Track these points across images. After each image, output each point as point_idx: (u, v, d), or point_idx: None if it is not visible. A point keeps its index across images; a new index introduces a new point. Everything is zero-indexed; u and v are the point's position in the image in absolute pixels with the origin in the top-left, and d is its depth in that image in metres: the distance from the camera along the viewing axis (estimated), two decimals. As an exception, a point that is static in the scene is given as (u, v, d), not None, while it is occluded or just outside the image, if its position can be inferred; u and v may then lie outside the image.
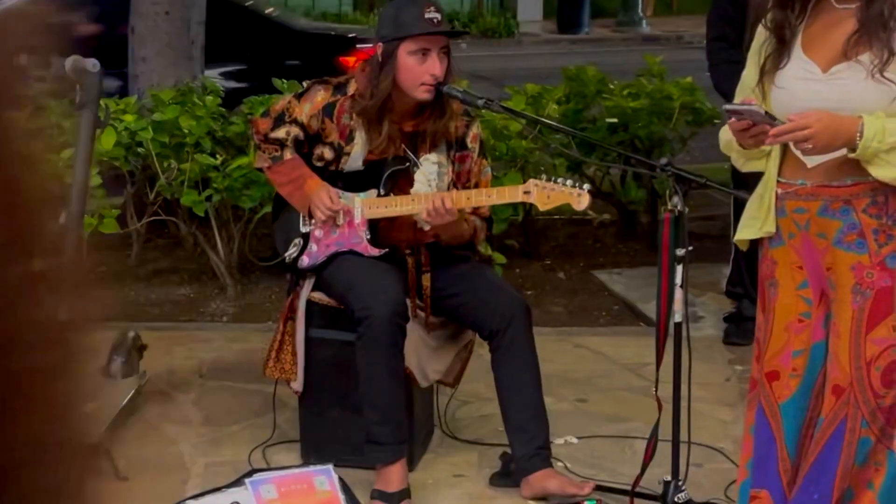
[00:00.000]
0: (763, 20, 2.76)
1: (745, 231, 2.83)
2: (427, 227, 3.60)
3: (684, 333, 3.17)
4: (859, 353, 2.66)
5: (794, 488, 2.76)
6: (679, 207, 3.13)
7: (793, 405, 2.77)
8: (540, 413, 3.63)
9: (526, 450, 3.59)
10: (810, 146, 2.55)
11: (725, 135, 2.81)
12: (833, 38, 2.64)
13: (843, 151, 2.61)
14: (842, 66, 2.62)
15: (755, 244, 2.89)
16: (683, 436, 3.24)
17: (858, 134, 2.54)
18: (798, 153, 2.69)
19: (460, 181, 3.74)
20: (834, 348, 2.69)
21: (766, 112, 2.56)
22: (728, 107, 2.61)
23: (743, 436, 2.94)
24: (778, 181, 2.74)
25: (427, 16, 3.49)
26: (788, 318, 2.76)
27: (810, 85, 2.62)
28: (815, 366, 2.75)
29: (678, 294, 3.16)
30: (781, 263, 2.77)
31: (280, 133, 3.69)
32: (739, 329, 4.87)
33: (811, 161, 2.68)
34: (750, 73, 2.81)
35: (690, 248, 3.17)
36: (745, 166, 2.83)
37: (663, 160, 3.27)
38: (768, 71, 2.71)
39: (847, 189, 2.65)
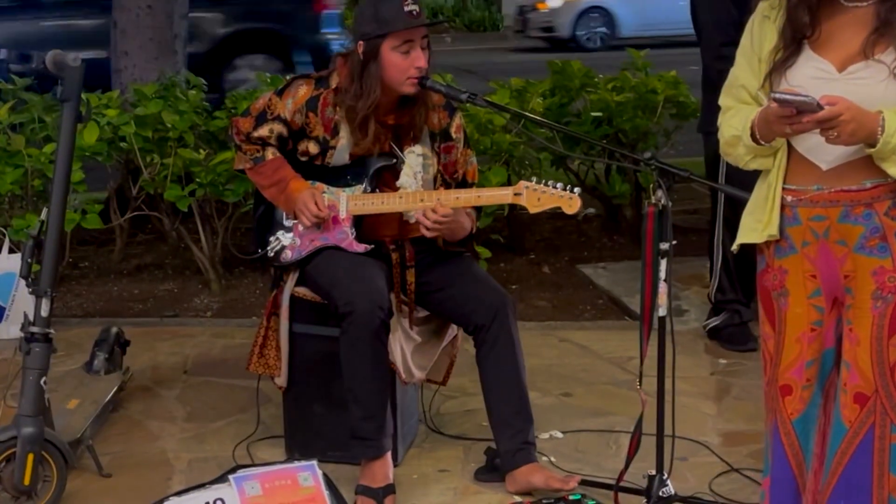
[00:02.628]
0: (768, 19, 2.71)
1: (748, 235, 2.77)
2: (413, 221, 3.59)
3: (668, 327, 3.16)
4: (882, 359, 2.62)
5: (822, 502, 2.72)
6: (663, 201, 3.12)
7: (807, 417, 2.75)
8: (525, 408, 3.63)
9: (510, 445, 3.58)
10: (835, 134, 2.51)
11: (730, 131, 2.75)
12: (847, 36, 2.60)
13: (856, 150, 2.57)
14: (859, 66, 2.58)
15: (746, 247, 2.83)
16: (668, 430, 3.24)
17: (880, 129, 2.50)
18: (809, 157, 2.66)
19: (447, 172, 3.73)
20: (853, 356, 2.65)
21: (818, 102, 2.48)
22: (778, 95, 2.52)
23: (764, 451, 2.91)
24: (786, 188, 2.69)
25: (406, 9, 3.47)
26: (801, 328, 2.73)
27: (827, 85, 2.56)
28: (826, 372, 2.74)
29: (662, 288, 3.15)
30: (793, 273, 2.72)
31: (263, 131, 3.67)
32: (741, 334, 4.83)
33: (826, 164, 2.64)
34: (743, 73, 2.75)
35: (674, 241, 3.16)
36: (751, 164, 2.75)
37: (647, 154, 3.26)
38: (776, 70, 2.66)
39: (868, 192, 2.61)
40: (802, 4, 2.63)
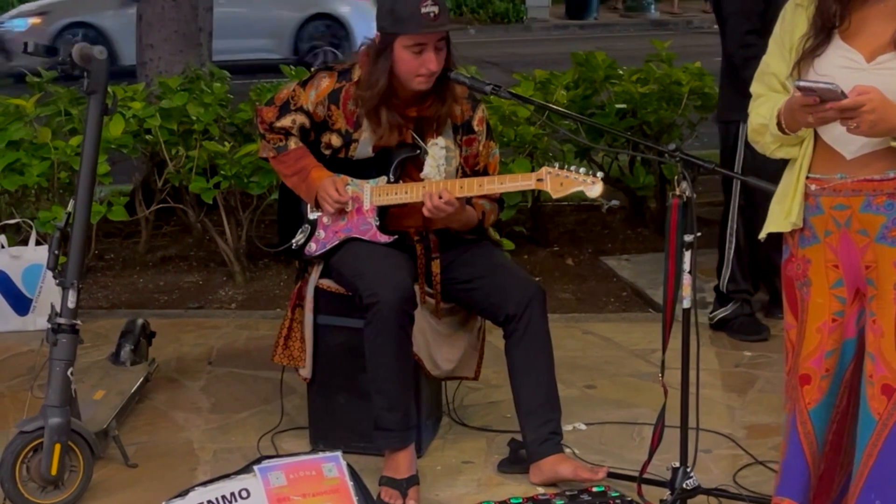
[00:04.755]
0: (801, 7, 2.71)
1: (774, 224, 2.77)
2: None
3: (692, 319, 3.16)
4: None
5: (853, 497, 2.70)
6: (687, 193, 3.12)
7: (823, 407, 2.74)
8: (552, 398, 3.62)
9: (537, 434, 3.58)
10: (855, 125, 2.51)
11: (757, 119, 2.75)
12: (877, 28, 2.59)
13: (880, 140, 2.56)
14: (888, 56, 2.57)
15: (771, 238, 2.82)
16: (692, 422, 3.23)
17: None
18: (834, 146, 2.65)
19: (468, 164, 3.74)
20: (878, 347, 2.64)
21: (842, 91, 2.48)
22: (802, 83, 2.52)
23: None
24: (811, 177, 2.69)
25: (424, 10, 3.42)
26: (822, 318, 2.72)
27: (854, 74, 2.56)
28: (845, 363, 2.73)
29: (686, 280, 3.15)
30: (815, 262, 2.72)
31: (286, 122, 3.68)
32: (753, 324, 4.83)
33: (850, 153, 2.63)
34: (774, 61, 2.75)
35: (699, 233, 3.15)
36: (777, 152, 2.76)
37: (672, 145, 3.25)
38: (805, 59, 2.66)
39: (891, 182, 2.60)
40: None
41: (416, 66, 3.48)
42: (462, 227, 3.67)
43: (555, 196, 3.47)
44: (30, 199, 5.42)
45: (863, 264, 2.66)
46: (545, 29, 18.71)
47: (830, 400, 2.75)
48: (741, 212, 4.73)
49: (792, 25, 2.72)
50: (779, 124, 2.68)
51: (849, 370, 2.73)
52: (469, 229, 3.70)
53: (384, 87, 3.51)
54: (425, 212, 3.51)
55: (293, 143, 3.69)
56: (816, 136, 2.69)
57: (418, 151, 3.64)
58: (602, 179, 3.40)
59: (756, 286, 4.89)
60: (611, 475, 3.51)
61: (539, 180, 3.46)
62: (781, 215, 2.73)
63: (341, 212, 3.63)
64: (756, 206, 4.66)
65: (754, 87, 2.81)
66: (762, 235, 2.82)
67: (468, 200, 3.65)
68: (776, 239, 2.84)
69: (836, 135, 2.63)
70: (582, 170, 3.43)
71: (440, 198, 3.45)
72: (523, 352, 3.60)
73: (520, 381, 3.62)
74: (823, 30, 2.64)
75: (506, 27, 18.78)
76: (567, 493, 3.43)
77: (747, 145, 4.58)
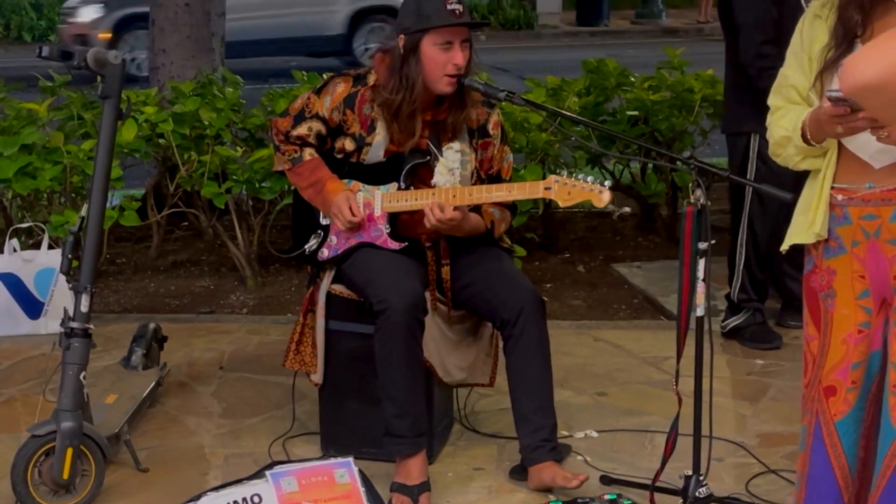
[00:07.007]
0: (819, 18, 2.70)
1: (797, 236, 2.75)
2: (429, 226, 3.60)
3: (706, 327, 3.15)
4: None
5: None
6: (702, 201, 3.11)
7: (851, 420, 2.73)
8: (546, 405, 3.62)
9: (529, 441, 3.59)
10: (886, 134, 2.50)
11: (780, 131, 2.73)
12: None
13: None
14: None
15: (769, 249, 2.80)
16: (705, 430, 3.23)
17: None
18: (860, 155, 2.64)
19: (483, 168, 3.74)
20: None
21: None
22: (834, 94, 2.50)
23: (800, 452, 2.87)
24: (836, 187, 2.68)
25: (449, 7, 3.49)
26: (847, 329, 2.70)
27: None
28: (872, 375, 2.71)
29: (700, 287, 3.14)
30: (841, 273, 2.70)
31: (302, 130, 3.69)
32: (766, 332, 4.84)
33: (878, 162, 2.62)
34: (794, 73, 2.73)
35: (713, 241, 3.14)
36: (801, 164, 2.74)
37: (686, 153, 3.25)
38: (828, 69, 2.65)
39: None
40: (853, 3, 2.61)
41: (443, 61, 3.50)
42: (467, 235, 3.66)
43: (562, 205, 3.47)
44: (42, 203, 5.43)
45: (891, 274, 2.64)
46: (556, 35, 18.72)
47: (858, 414, 2.72)
48: (750, 223, 4.71)
49: (811, 37, 2.70)
50: (804, 136, 2.66)
51: (875, 383, 2.70)
52: (476, 236, 3.69)
53: (421, 88, 3.52)
54: (427, 225, 3.51)
55: (308, 154, 3.70)
56: (840, 147, 2.67)
57: (429, 157, 3.64)
58: (612, 187, 3.40)
59: (766, 294, 4.88)
60: (623, 483, 3.51)
61: (547, 189, 3.45)
62: (805, 226, 2.71)
63: (353, 229, 3.64)
64: (767, 216, 4.65)
65: (772, 100, 2.79)
66: (784, 248, 2.79)
67: (477, 208, 3.66)
68: (791, 249, 2.82)
69: (861, 144, 2.62)
70: (590, 178, 3.42)
71: (441, 211, 3.46)
72: (518, 358, 3.61)
73: (515, 386, 3.63)
74: (846, 39, 2.63)
75: (516, 33, 18.79)
76: (579, 500, 3.42)
77: (759, 157, 4.58)
